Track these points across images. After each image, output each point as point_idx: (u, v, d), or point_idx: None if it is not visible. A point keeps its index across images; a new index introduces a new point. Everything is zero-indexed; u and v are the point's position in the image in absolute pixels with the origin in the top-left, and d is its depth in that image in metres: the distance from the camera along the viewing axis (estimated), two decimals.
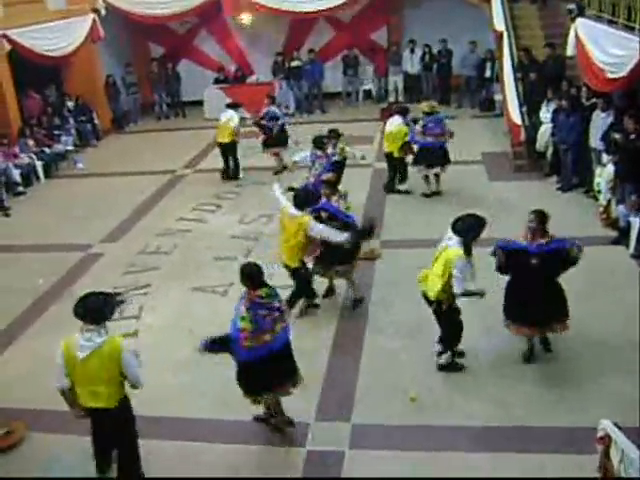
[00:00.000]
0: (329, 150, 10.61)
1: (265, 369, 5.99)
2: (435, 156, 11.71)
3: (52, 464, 6.29)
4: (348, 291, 8.73)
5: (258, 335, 5.88)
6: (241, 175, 13.96)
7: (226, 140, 13.59)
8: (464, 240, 6.61)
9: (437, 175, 11.93)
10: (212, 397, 7.07)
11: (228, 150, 13.77)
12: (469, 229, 6.67)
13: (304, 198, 8.02)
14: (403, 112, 12.12)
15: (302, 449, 6.28)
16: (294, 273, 8.12)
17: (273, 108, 14.04)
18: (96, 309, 5.33)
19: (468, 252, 6.61)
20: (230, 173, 13.91)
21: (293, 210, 7.85)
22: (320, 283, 8.73)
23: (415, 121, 12.06)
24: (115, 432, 5.62)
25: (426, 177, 11.97)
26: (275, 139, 14.02)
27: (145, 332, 8.35)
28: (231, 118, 13.59)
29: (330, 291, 8.90)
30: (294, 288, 8.21)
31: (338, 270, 8.40)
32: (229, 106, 14.14)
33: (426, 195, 12.05)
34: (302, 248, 7.89)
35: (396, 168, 12.16)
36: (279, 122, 13.96)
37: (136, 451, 5.79)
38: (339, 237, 7.61)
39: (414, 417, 6.58)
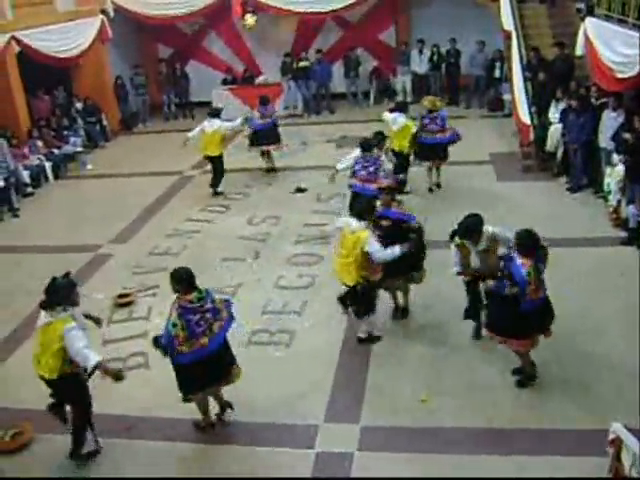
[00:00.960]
0: (377, 153, 10.07)
1: (201, 370, 6.10)
2: (434, 152, 12.01)
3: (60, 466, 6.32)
4: (397, 299, 8.36)
5: (193, 341, 5.96)
6: (220, 189, 13.19)
7: (216, 153, 12.94)
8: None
9: (437, 168, 12.28)
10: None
11: (217, 162, 13.07)
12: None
13: (362, 208, 7.50)
14: (403, 108, 12.21)
15: (311, 451, 6.27)
16: (354, 291, 7.55)
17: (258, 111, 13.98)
18: (51, 293, 5.97)
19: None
20: (216, 185, 13.20)
21: (354, 224, 7.33)
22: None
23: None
24: (56, 397, 6.33)
25: (430, 169, 12.27)
26: (263, 136, 13.83)
27: (154, 333, 8.27)
28: (218, 129, 12.82)
29: (404, 311, 8.34)
30: (355, 307, 7.79)
31: (413, 275, 7.99)
32: (212, 115, 13.19)
33: (430, 190, 12.33)
34: (361, 264, 7.29)
35: (403, 165, 12.14)
36: (268, 120, 13.84)
37: (77, 421, 6.34)
38: (393, 255, 7.15)
39: (424, 419, 6.56)
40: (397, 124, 11.78)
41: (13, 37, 14.46)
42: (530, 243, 6.29)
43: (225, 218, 12.09)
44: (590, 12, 11.75)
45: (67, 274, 6.27)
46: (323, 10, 17.99)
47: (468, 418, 6.50)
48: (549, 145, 12.52)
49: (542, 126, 12.77)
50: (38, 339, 6.07)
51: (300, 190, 12.98)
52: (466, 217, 7.04)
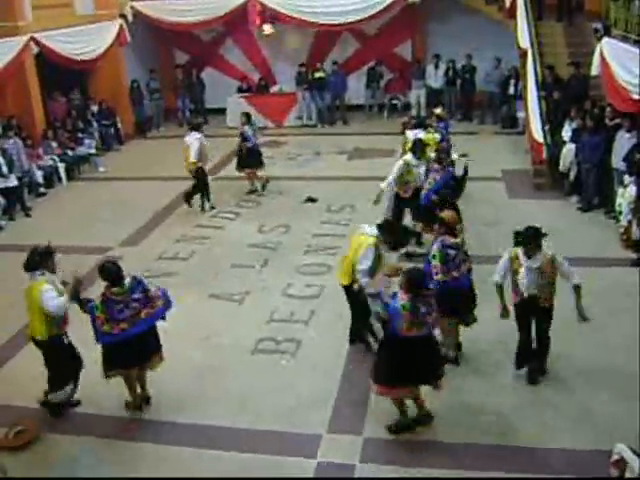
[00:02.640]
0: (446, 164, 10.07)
1: (122, 351, 6.62)
2: None
3: (66, 464, 6.34)
4: None
5: (113, 324, 6.51)
6: (207, 207, 12.87)
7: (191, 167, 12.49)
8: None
9: None
10: (226, 404, 7.09)
11: (195, 176, 12.66)
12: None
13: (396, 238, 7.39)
14: (422, 123, 12.50)
15: (312, 460, 6.26)
16: (347, 291, 7.66)
17: (246, 128, 13.35)
18: (31, 258, 6.80)
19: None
20: (204, 200, 12.86)
21: (368, 228, 7.39)
22: None
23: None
24: (44, 358, 6.91)
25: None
26: (245, 160, 13.33)
27: (161, 338, 8.34)
28: (191, 144, 12.33)
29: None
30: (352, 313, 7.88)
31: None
32: (191, 128, 12.73)
33: None
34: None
35: None
36: (248, 143, 13.19)
37: (52, 379, 6.95)
38: (365, 284, 7.17)
39: (426, 433, 6.54)
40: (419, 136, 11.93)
41: (32, 38, 14.60)
42: (414, 283, 6.13)
43: (235, 225, 12.12)
44: (607, 32, 11.75)
45: (48, 244, 7.00)
46: (340, 22, 18.04)
47: (472, 433, 6.47)
48: (562, 165, 12.48)
49: (555, 145, 12.76)
50: (25, 300, 6.79)
51: (311, 200, 13.01)
52: (527, 228, 6.90)
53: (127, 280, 6.64)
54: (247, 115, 13.67)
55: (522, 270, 6.79)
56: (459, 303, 7.24)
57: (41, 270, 6.74)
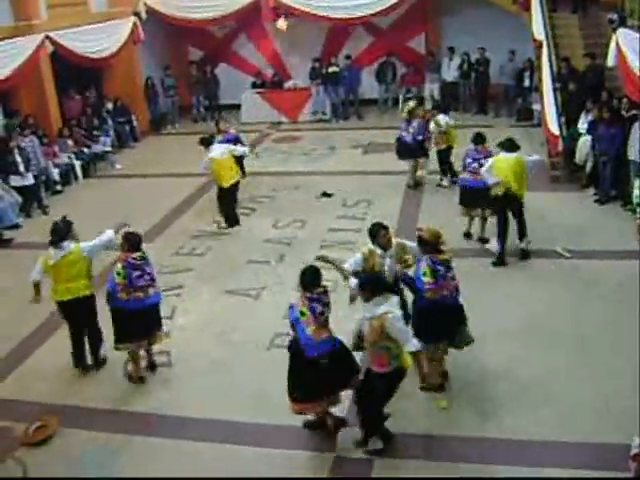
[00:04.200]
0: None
1: (132, 321, 7.22)
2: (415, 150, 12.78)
3: (82, 460, 6.40)
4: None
5: (131, 290, 7.13)
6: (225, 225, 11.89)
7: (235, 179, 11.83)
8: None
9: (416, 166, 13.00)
10: (243, 400, 7.12)
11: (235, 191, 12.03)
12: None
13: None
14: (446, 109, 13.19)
15: (330, 454, 6.28)
16: None
17: (232, 131, 12.99)
18: (56, 232, 7.56)
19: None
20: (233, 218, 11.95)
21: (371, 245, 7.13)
22: None
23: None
24: (88, 314, 7.68)
25: (414, 167, 13.01)
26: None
27: (177, 333, 8.41)
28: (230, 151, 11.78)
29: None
30: None
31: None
32: (205, 142, 11.71)
33: (410, 186, 13.07)
34: None
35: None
36: None
37: (100, 333, 7.83)
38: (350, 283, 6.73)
39: (444, 427, 6.54)
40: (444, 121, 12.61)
41: (47, 37, 14.67)
42: (306, 279, 6.13)
43: (251, 221, 12.14)
44: (623, 23, 11.64)
45: (64, 217, 7.87)
46: (353, 16, 17.98)
47: (489, 428, 6.47)
48: (578, 157, 12.40)
49: (571, 137, 12.67)
50: (62, 270, 7.45)
51: (326, 195, 13.01)
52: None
53: (142, 252, 7.40)
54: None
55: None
56: (448, 323, 6.85)
57: (69, 240, 7.55)
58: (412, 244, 7.08)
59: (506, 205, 9.61)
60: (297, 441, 6.47)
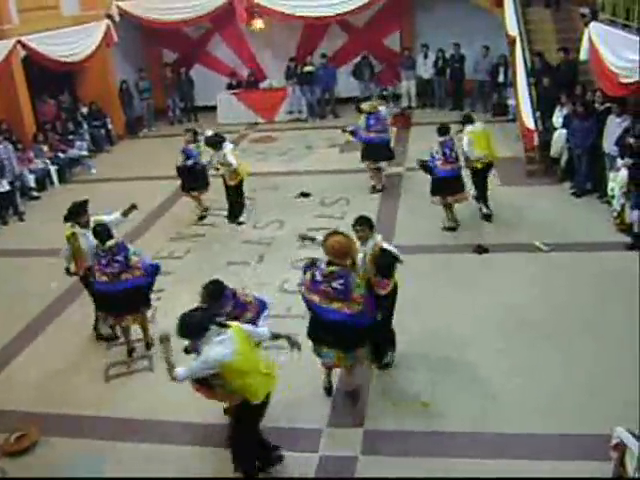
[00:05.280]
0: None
1: (107, 300, 7.86)
2: (380, 151, 12.62)
3: (65, 468, 6.34)
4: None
5: (99, 273, 7.78)
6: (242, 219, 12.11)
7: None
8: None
9: (379, 169, 12.86)
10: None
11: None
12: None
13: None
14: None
15: (314, 454, 6.28)
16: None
17: (190, 147, 12.12)
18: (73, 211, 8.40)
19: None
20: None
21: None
22: None
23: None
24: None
25: (377, 170, 12.85)
26: (189, 181, 12.15)
27: (159, 336, 8.33)
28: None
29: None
30: None
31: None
32: (216, 141, 11.75)
33: (375, 190, 12.84)
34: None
35: None
36: (188, 162, 11.93)
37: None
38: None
39: (426, 423, 6.57)
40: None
41: (19, 41, 14.51)
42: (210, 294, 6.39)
43: (229, 222, 12.09)
44: (594, 17, 11.75)
45: (84, 199, 8.71)
46: (328, 15, 17.98)
47: (471, 422, 6.50)
48: (553, 151, 12.51)
49: (546, 131, 12.77)
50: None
51: (304, 194, 13.00)
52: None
53: (111, 242, 7.81)
54: (194, 132, 12.46)
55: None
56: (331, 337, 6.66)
57: (72, 222, 8.30)
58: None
59: (486, 172, 10.89)
60: (280, 441, 6.45)
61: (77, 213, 8.37)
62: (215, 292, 6.34)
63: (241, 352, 5.42)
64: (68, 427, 6.93)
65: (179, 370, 5.55)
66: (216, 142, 11.66)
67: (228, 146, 11.74)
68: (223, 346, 5.36)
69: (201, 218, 12.34)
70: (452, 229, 10.75)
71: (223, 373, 5.45)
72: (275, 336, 6.14)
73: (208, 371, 5.49)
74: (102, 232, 7.89)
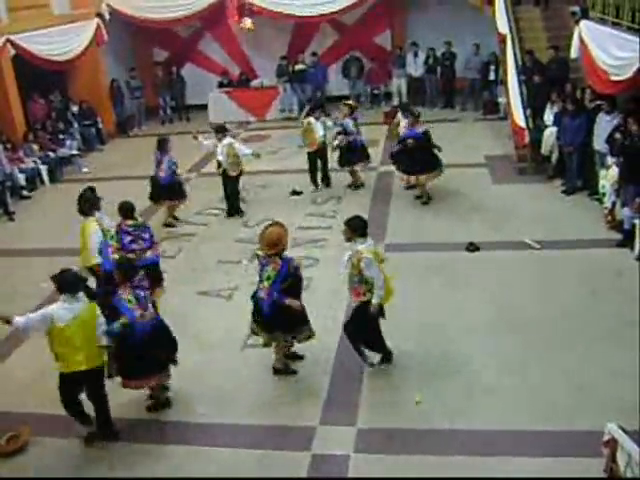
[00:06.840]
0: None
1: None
2: (356, 153, 12.81)
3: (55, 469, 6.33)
4: None
5: (122, 253, 7.85)
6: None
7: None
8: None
9: (355, 171, 13.02)
10: (217, 400, 7.11)
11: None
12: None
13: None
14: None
15: (307, 452, 6.28)
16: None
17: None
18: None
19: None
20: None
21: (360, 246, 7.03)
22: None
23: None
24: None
25: (352, 172, 13.01)
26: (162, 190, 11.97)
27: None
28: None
29: None
30: None
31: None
32: (221, 130, 12.12)
33: (350, 186, 13.06)
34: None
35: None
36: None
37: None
38: None
39: (419, 421, 6.57)
40: None
41: (8, 40, 14.44)
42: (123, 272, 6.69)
43: (221, 221, 12.10)
44: (584, 15, 11.78)
45: (90, 187, 8.97)
46: (319, 13, 17.99)
47: (463, 420, 6.51)
48: (544, 148, 12.54)
49: (537, 129, 12.80)
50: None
51: (296, 193, 12.99)
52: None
53: (140, 219, 8.36)
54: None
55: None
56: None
57: (93, 213, 8.38)
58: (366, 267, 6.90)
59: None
60: (273, 440, 6.46)
61: (93, 203, 8.58)
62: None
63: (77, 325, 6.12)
64: (60, 427, 6.90)
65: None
66: (224, 129, 12.21)
67: (230, 139, 12.04)
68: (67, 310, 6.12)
69: (168, 225, 12.08)
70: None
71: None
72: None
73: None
74: (131, 208, 8.33)
